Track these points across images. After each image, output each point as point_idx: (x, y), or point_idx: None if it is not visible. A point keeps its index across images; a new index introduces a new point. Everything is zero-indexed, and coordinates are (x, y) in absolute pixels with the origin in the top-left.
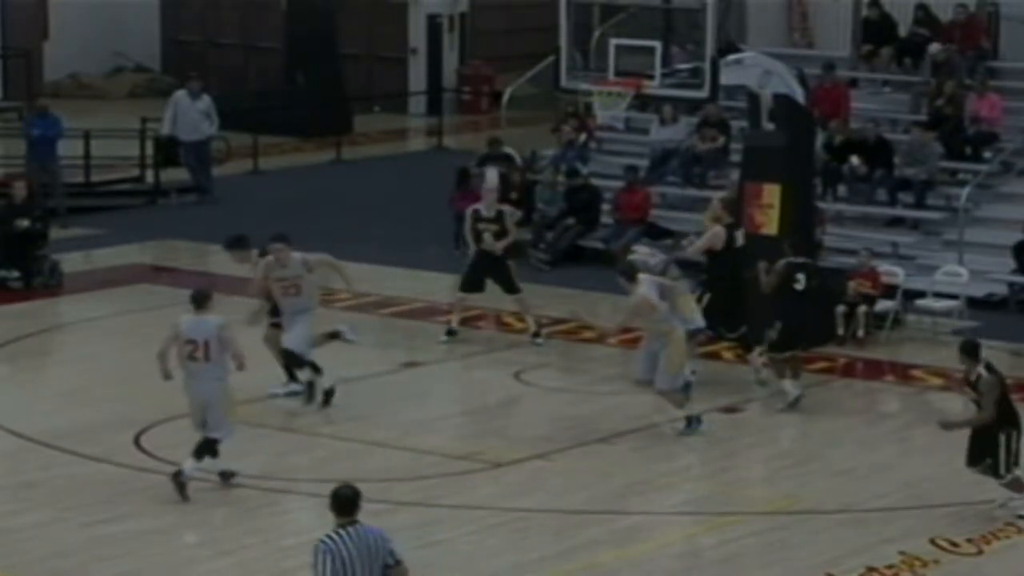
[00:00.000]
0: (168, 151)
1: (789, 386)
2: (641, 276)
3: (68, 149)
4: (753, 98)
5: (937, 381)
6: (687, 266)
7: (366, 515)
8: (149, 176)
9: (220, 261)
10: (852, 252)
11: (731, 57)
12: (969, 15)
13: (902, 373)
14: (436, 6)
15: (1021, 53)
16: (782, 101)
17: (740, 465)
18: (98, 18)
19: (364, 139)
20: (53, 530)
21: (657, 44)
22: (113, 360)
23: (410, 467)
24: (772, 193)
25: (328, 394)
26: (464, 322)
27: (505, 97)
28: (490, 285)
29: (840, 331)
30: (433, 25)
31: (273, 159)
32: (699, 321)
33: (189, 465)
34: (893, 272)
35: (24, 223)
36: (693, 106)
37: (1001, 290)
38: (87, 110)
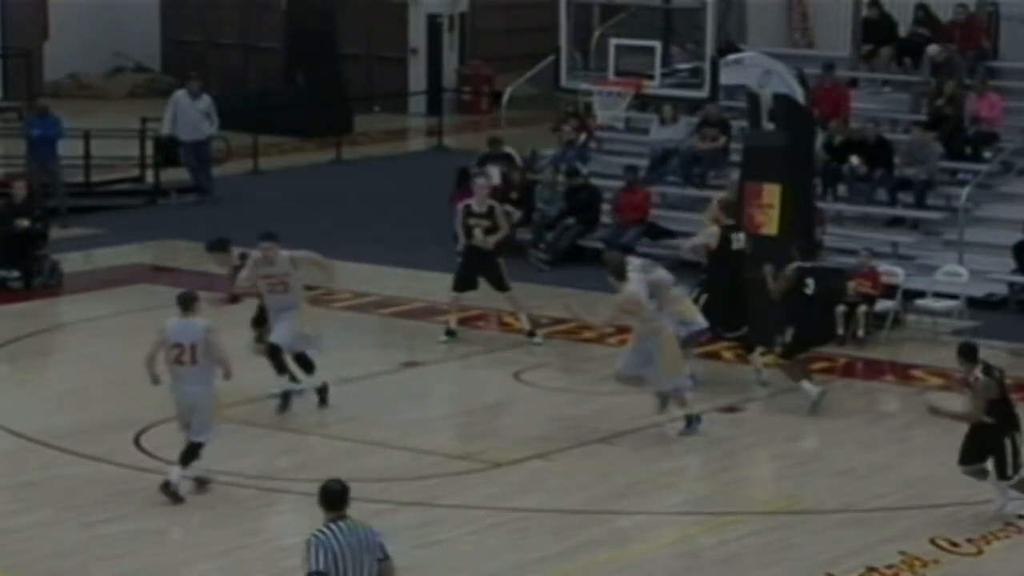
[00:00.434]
0: (168, 151)
1: (808, 387)
2: (630, 274)
3: (68, 149)
4: (753, 98)
5: (937, 381)
6: (686, 267)
7: (366, 515)
8: (149, 176)
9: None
10: (852, 252)
11: (731, 57)
12: (969, 15)
13: (902, 373)
14: (436, 6)
15: (1021, 53)
16: (782, 101)
17: (740, 465)
18: (98, 18)
19: (364, 139)
20: (53, 530)
21: (657, 44)
22: (113, 360)
23: (410, 467)
24: (772, 193)
25: (322, 391)
26: (464, 322)
27: (505, 97)
28: (483, 284)
29: (840, 331)
30: (433, 25)
31: (273, 159)
32: (701, 322)
33: (176, 473)
34: (893, 272)
35: (24, 223)
36: (693, 106)
37: (1001, 290)
38: (87, 110)
